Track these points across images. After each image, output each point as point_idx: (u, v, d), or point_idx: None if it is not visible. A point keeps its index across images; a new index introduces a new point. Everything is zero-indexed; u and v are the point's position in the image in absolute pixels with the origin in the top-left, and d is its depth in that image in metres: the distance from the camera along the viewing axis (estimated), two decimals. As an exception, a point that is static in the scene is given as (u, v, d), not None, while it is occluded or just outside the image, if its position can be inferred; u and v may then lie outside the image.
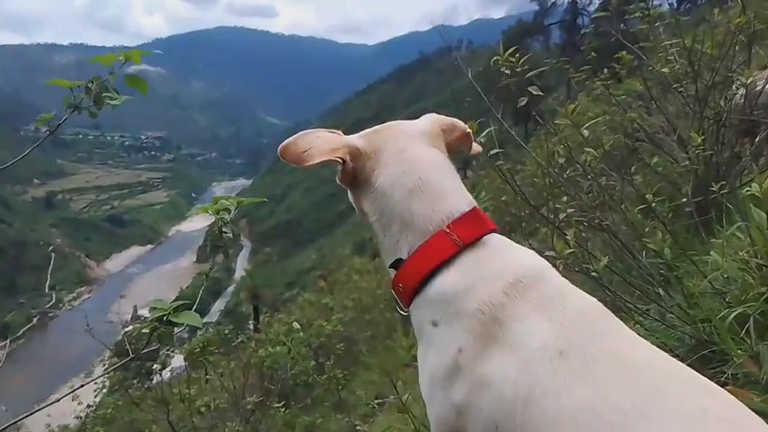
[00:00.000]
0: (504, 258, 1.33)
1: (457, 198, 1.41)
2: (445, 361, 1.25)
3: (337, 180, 1.49)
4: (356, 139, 1.50)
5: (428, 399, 1.32)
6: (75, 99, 1.86)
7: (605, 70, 4.06)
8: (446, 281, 1.31)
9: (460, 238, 1.33)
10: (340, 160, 1.42)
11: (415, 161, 1.44)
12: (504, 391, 1.16)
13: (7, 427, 2.06)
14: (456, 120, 1.61)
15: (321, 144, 1.44)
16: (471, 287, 1.27)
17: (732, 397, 1.09)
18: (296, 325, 7.62)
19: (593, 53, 4.20)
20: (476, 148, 1.67)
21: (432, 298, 1.32)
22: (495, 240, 1.38)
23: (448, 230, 1.34)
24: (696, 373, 1.16)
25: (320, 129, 1.51)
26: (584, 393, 1.10)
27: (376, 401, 5.96)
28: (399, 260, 1.40)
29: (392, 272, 1.43)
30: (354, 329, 9.46)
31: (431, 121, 1.57)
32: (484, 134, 2.46)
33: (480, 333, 1.22)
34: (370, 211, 1.46)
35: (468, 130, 1.61)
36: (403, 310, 1.45)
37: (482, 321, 1.22)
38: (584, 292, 1.31)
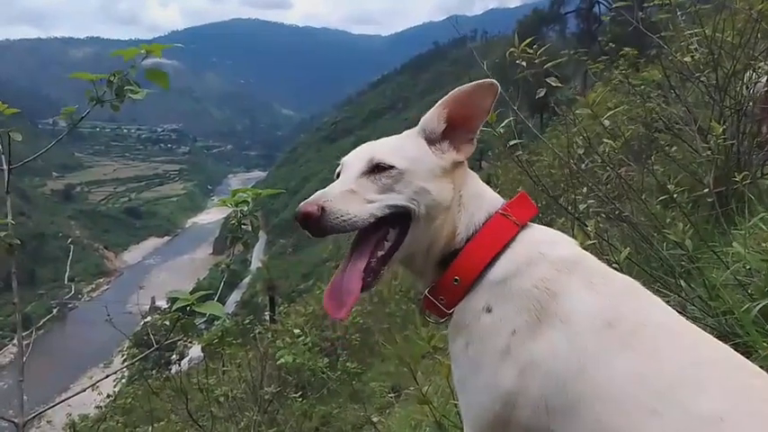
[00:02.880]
0: (551, 239, 1.41)
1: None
2: (496, 346, 1.26)
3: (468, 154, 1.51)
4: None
5: (469, 389, 1.33)
6: (98, 92, 1.87)
7: (622, 60, 4.02)
8: (508, 261, 1.35)
9: (518, 218, 1.40)
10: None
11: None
12: (556, 365, 1.19)
13: (33, 417, 2.09)
14: None
15: None
16: (529, 265, 1.32)
17: None
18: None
19: (611, 43, 4.16)
20: None
21: (492, 280, 1.34)
22: (538, 225, 1.46)
23: (504, 212, 1.41)
24: (738, 354, 1.18)
25: None
26: (631, 362, 1.13)
27: (392, 394, 5.97)
28: (454, 253, 1.40)
29: (431, 275, 1.44)
30: (371, 321, 9.46)
31: None
32: (503, 125, 2.45)
33: (535, 310, 1.25)
34: (461, 183, 1.47)
35: None
36: (442, 317, 1.43)
37: (537, 297, 1.26)
38: (618, 273, 1.37)
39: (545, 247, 1.36)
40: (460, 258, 1.38)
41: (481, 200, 1.45)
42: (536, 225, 1.44)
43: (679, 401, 1.05)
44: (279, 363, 6.49)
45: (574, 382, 1.16)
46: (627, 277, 1.35)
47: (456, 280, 1.37)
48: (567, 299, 1.25)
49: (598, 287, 1.26)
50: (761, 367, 1.13)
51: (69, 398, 2.61)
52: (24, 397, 2.08)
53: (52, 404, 2.52)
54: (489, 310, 1.31)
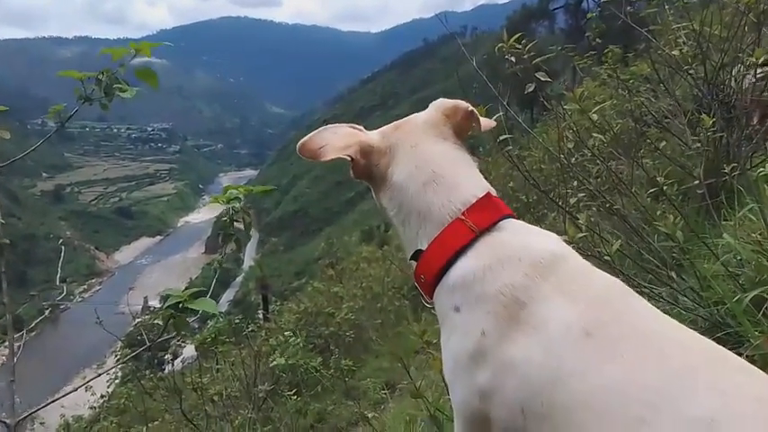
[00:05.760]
0: (523, 241, 1.33)
1: (471, 186, 1.43)
2: (469, 344, 1.25)
3: (351, 175, 1.51)
4: (374, 136, 1.52)
5: (452, 383, 1.32)
6: (87, 90, 1.85)
7: (609, 55, 4.03)
8: (465, 266, 1.31)
9: (476, 224, 1.34)
10: (349, 158, 1.46)
11: (427, 155, 1.46)
12: (529, 373, 1.16)
13: (25, 418, 2.09)
14: (457, 101, 1.58)
15: (336, 141, 1.48)
16: (491, 271, 1.28)
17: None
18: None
19: (598, 39, 4.17)
20: (486, 123, 1.65)
21: (452, 284, 1.32)
22: (513, 225, 1.38)
23: (463, 218, 1.36)
24: (728, 351, 1.15)
25: (341, 124, 1.55)
26: (613, 373, 1.09)
27: (386, 390, 5.98)
28: (419, 252, 1.41)
29: (414, 264, 1.44)
30: (364, 317, 9.48)
31: (434, 109, 1.57)
32: (492, 120, 2.45)
33: (503, 315, 1.22)
34: (389, 206, 1.48)
35: (471, 108, 1.57)
36: (428, 302, 1.45)
37: (504, 304, 1.23)
38: (604, 272, 1.31)
39: (512, 251, 1.30)
40: (420, 261, 1.41)
41: (434, 204, 1.43)
42: (512, 224, 1.38)
43: (667, 407, 1.02)
44: (272, 365, 6.49)
45: (550, 390, 1.13)
46: (609, 278, 1.30)
47: (421, 277, 1.40)
48: (540, 306, 1.21)
49: (575, 293, 1.22)
50: (752, 357, 1.11)
51: (60, 398, 2.60)
52: (17, 398, 2.07)
53: (44, 404, 2.51)
54: (458, 310, 1.30)
